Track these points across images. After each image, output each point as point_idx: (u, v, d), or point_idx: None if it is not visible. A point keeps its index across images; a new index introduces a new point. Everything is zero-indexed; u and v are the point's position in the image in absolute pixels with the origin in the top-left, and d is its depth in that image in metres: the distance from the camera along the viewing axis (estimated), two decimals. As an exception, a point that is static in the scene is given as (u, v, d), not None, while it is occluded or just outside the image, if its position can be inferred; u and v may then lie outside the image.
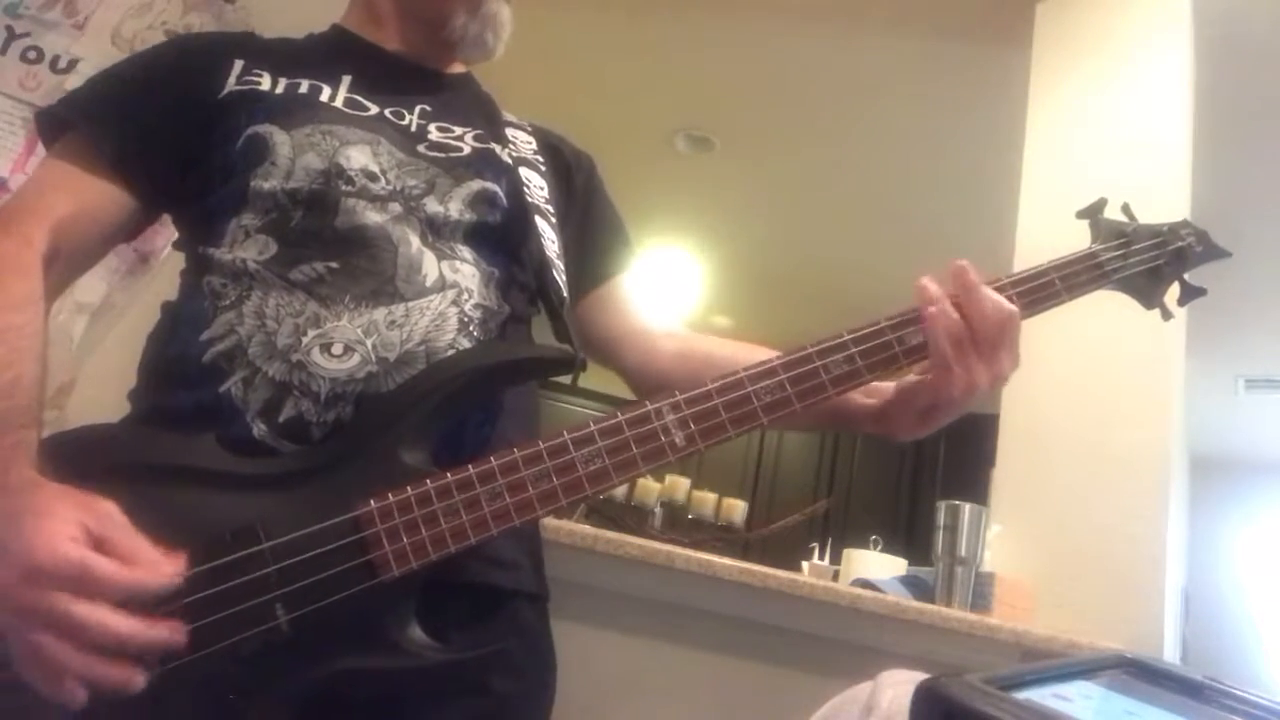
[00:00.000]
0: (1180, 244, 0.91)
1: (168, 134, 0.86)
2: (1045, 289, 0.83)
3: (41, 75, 1.65)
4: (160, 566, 0.62)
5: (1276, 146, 2.81)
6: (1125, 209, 0.93)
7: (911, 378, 0.82)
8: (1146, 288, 0.91)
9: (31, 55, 1.66)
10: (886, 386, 0.84)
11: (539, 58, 2.94)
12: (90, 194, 0.83)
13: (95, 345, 1.68)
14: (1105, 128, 2.14)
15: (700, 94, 3.34)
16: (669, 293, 4.97)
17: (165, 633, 0.61)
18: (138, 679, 0.60)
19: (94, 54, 1.67)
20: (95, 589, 0.59)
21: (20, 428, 0.67)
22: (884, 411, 0.84)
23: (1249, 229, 3.02)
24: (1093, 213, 0.91)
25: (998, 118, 2.57)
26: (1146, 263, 0.90)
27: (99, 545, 0.61)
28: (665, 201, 4.10)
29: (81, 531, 0.61)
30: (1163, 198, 1.96)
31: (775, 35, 2.92)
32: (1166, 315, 0.92)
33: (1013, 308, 0.78)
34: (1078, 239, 0.90)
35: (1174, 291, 0.93)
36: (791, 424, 0.78)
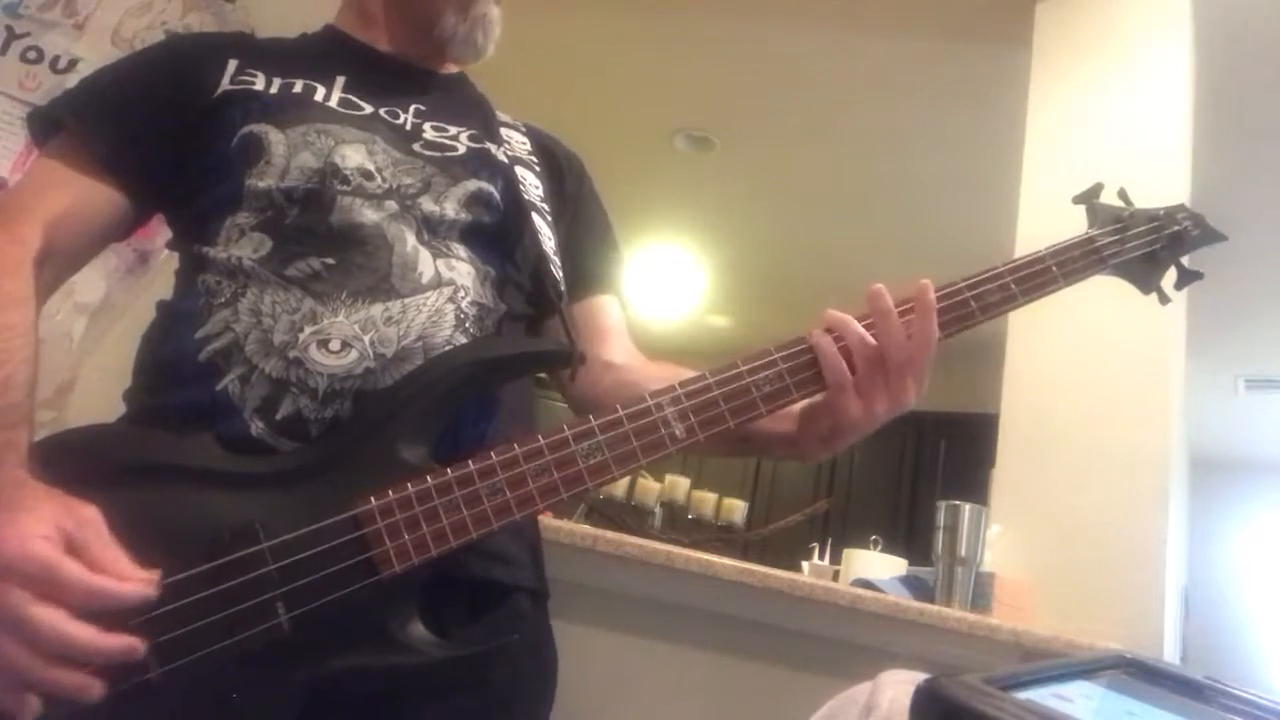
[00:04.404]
0: (1176, 228, 0.91)
1: (160, 133, 0.86)
2: (1042, 275, 0.83)
3: (41, 75, 1.65)
4: (131, 578, 0.61)
5: (1276, 146, 2.81)
6: (1122, 194, 0.92)
7: (816, 399, 0.79)
8: (1143, 273, 0.90)
9: (31, 55, 1.65)
10: (793, 411, 0.82)
11: (539, 58, 2.94)
12: (82, 193, 0.83)
13: (95, 345, 1.68)
14: (1105, 127, 2.14)
15: (700, 94, 3.34)
16: (669, 292, 4.97)
17: (122, 644, 0.59)
18: (93, 688, 0.59)
19: (94, 54, 1.67)
20: (58, 591, 0.59)
21: (9, 427, 0.67)
22: (794, 435, 0.84)
23: (1249, 229, 3.02)
24: (1089, 198, 0.91)
25: (998, 117, 2.57)
26: (1143, 247, 0.89)
27: (74, 550, 0.60)
28: (665, 201, 4.10)
29: (56, 533, 0.60)
30: (1162, 197, 1.96)
31: (775, 35, 2.92)
32: (1164, 300, 0.92)
33: (931, 336, 0.75)
34: (1079, 237, 0.90)
35: (1171, 276, 0.92)
36: (710, 450, 0.78)
